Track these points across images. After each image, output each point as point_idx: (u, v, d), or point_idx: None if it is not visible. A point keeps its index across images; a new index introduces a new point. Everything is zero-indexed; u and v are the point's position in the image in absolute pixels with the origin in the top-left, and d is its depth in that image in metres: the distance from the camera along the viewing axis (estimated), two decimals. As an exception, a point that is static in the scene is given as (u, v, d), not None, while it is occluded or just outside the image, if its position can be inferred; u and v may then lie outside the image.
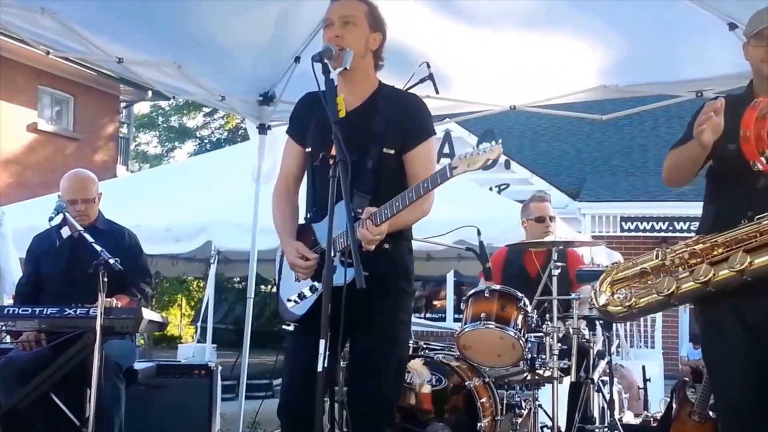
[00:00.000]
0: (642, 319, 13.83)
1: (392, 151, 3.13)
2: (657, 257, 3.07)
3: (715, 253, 2.95)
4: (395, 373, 3.20)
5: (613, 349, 5.26)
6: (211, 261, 7.82)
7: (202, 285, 18.71)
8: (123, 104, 20.03)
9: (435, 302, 17.39)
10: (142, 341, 14.67)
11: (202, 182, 8.19)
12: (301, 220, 3.33)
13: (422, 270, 11.51)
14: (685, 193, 12.05)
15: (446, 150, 16.00)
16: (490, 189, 14.82)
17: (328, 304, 2.79)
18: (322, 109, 2.94)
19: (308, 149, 3.24)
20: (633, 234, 14.91)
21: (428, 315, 16.86)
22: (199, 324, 11.83)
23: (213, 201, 7.31)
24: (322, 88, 2.97)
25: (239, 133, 26.26)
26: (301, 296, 3.18)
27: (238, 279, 19.40)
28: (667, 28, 4.92)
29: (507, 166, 15.98)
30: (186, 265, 10.08)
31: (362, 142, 3.06)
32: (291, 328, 3.34)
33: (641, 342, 14.03)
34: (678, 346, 14.75)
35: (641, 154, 17.03)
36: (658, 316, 13.47)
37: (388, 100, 3.19)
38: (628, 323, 13.96)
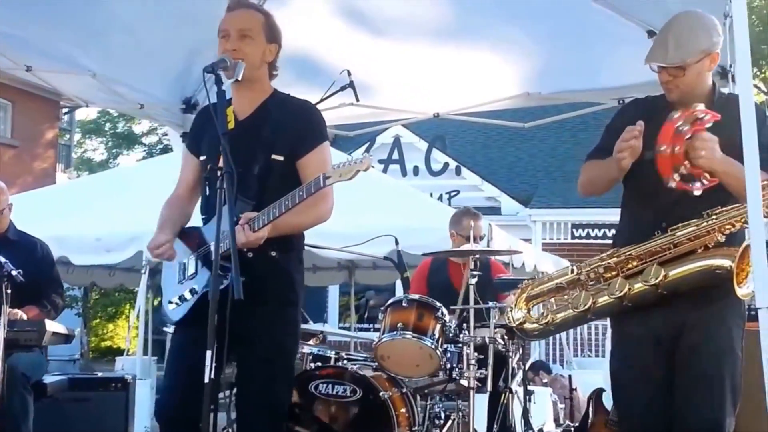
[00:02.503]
0: (593, 327, 13.88)
1: (281, 158, 3.14)
2: (572, 272, 3.06)
3: (630, 266, 2.95)
4: (282, 384, 3.22)
5: (533, 358, 5.22)
6: (142, 271, 7.70)
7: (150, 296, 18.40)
8: (64, 110, 19.74)
9: (388, 310, 17.28)
10: (82, 354, 14.49)
11: (134, 191, 8.07)
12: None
13: (370, 279, 11.51)
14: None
15: (395, 156, 15.97)
16: (441, 196, 14.82)
17: (215, 314, 2.80)
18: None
19: (202, 158, 3.26)
20: (584, 241, 14.90)
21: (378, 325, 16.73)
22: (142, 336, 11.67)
23: (144, 210, 7.16)
24: (213, 98, 2.98)
25: (187, 140, 25.85)
26: (182, 299, 3.19)
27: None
28: (588, 36, 4.96)
29: (458, 172, 15.97)
30: (124, 275, 9.95)
31: (251, 149, 3.10)
32: (171, 330, 3.37)
33: (591, 351, 14.07)
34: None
35: (596, 160, 17.07)
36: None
37: (280, 107, 3.21)
38: (577, 332, 14.02)
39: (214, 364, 2.79)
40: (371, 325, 15.88)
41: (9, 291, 3.99)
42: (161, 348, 11.92)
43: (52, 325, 4.22)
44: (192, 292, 3.14)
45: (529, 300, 3.15)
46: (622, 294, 2.89)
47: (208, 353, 2.78)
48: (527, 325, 3.14)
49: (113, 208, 7.95)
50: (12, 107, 17.04)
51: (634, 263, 2.92)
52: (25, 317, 4.28)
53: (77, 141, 27.56)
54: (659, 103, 3.09)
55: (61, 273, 5.34)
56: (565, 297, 3.06)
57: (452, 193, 15.35)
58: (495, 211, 15.01)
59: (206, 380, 2.79)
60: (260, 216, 2.97)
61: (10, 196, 4.91)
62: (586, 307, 2.96)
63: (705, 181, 2.79)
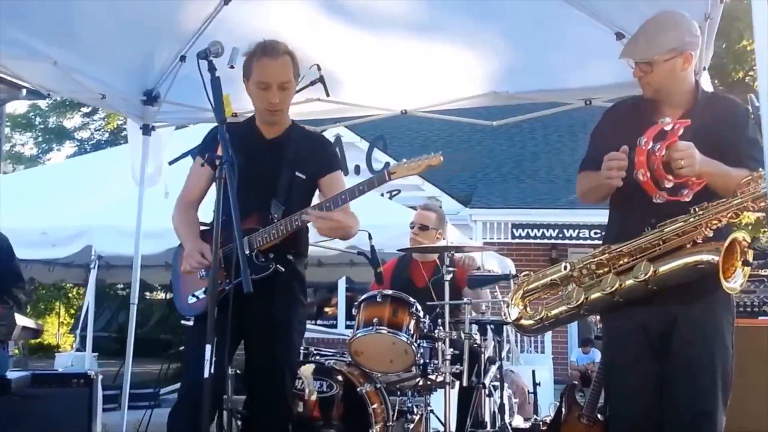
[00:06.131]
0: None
1: (303, 176, 3.49)
2: (565, 268, 3.11)
3: (621, 262, 3.01)
4: (291, 376, 3.56)
5: (504, 353, 5.25)
6: (91, 266, 7.50)
7: (81, 292, 18.01)
8: (-7, 103, 19.01)
9: (326, 309, 17.25)
10: (16, 350, 14.03)
11: (81, 184, 7.86)
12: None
13: (313, 276, 11.27)
14: (576, 201, 12.27)
15: (337, 155, 15.89)
16: (382, 195, 14.82)
17: (215, 308, 2.85)
18: (245, 135, 3.43)
19: None
20: (524, 241, 15.04)
21: (319, 321, 16.69)
22: (78, 332, 11.38)
23: (94, 204, 7.02)
24: (208, 86, 3.02)
25: (122, 134, 25.32)
26: (207, 292, 3.26)
27: (121, 285, 18.83)
28: (557, 37, 5.00)
29: (398, 172, 15.97)
30: (64, 271, 9.69)
31: (279, 164, 3.46)
32: (191, 323, 3.45)
33: (531, 347, 14.24)
34: (567, 351, 15.01)
35: (532, 162, 17.31)
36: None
37: (301, 137, 3.57)
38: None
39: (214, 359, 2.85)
40: (314, 322, 15.82)
41: (-27, 285, 3.85)
42: (102, 344, 11.63)
43: (22, 320, 4.07)
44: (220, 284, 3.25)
45: (524, 296, 3.21)
46: (613, 290, 2.95)
47: (208, 347, 2.82)
48: (524, 321, 3.19)
49: (59, 202, 7.72)
50: (-62, 99, 16.31)
51: (625, 259, 2.99)
52: (-12, 311, 4.12)
53: (5, 135, 26.64)
54: (641, 103, 3.16)
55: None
56: (559, 293, 3.13)
57: (393, 193, 15.36)
58: (436, 210, 15.04)
59: (206, 375, 2.81)
60: (324, 203, 3.30)
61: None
62: (578, 303, 3.03)
63: (692, 185, 2.88)
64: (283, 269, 3.33)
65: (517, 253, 14.21)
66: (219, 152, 2.96)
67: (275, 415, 3.39)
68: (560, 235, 14.85)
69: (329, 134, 15.29)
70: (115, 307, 21.15)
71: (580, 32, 4.84)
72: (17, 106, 26.87)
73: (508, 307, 3.21)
